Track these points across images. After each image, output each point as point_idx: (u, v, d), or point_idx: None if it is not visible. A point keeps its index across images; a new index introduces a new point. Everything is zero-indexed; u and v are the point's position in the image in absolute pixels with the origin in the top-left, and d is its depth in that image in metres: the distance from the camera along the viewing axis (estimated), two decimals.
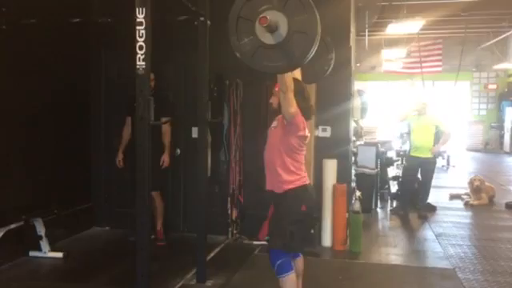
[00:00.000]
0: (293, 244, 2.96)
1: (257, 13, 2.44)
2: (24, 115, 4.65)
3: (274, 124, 3.16)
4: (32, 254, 4.60)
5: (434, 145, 6.74)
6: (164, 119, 4.92)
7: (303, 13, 2.41)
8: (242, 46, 2.54)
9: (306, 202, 3.04)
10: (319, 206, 4.97)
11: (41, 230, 4.54)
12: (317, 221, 4.82)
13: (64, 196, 5.03)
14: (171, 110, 5.11)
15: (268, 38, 2.46)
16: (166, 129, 5.05)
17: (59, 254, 4.62)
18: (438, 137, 6.84)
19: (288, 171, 3.00)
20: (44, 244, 4.58)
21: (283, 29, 2.43)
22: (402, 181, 7.36)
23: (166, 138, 5.07)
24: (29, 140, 4.70)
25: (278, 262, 2.96)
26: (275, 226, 3.07)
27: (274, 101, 3.10)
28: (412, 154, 6.86)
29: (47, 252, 4.59)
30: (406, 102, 7.32)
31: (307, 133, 3.07)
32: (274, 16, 2.41)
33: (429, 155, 6.71)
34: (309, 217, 3.06)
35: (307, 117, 3.08)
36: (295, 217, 2.97)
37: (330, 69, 3.89)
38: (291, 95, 2.83)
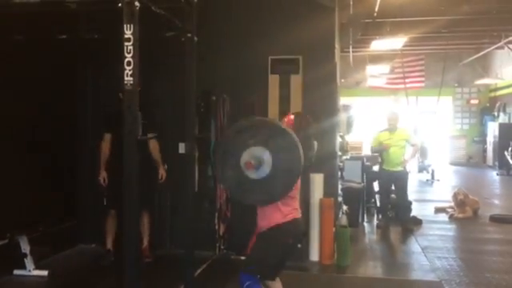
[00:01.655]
0: (268, 273, 2.95)
1: (242, 148, 2.60)
2: (9, 131, 4.61)
3: None
4: (16, 272, 4.51)
5: (404, 158, 6.80)
6: (150, 135, 4.95)
7: (287, 151, 2.57)
8: (227, 179, 2.70)
9: (293, 234, 3.01)
10: (306, 220, 4.98)
11: (25, 248, 4.47)
12: (304, 235, 4.82)
13: (49, 213, 4.97)
14: (157, 126, 5.12)
15: (253, 173, 2.59)
16: (154, 145, 5.06)
17: (44, 272, 4.54)
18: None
19: (278, 211, 2.93)
20: (29, 262, 4.50)
21: (267, 165, 2.57)
22: (379, 194, 7.41)
23: (157, 154, 5.08)
24: (13, 157, 4.66)
25: (247, 284, 2.90)
26: (257, 252, 2.99)
27: None
28: (383, 167, 6.92)
29: (32, 270, 4.51)
30: (375, 132, 7.25)
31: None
32: (258, 152, 2.57)
33: (399, 169, 6.77)
34: (294, 248, 3.05)
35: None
36: (281, 249, 2.95)
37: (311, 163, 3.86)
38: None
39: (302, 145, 2.70)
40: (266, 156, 2.55)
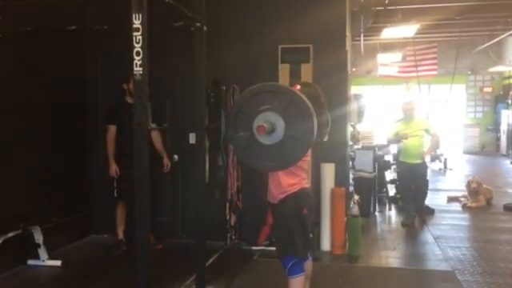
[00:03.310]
0: (298, 248, 2.96)
1: (257, 111, 2.55)
2: (21, 123, 4.64)
3: None
4: (30, 262, 4.59)
5: (423, 150, 6.58)
6: (153, 125, 4.92)
7: (301, 120, 2.52)
8: (238, 139, 2.65)
9: (306, 205, 3.03)
10: (318, 210, 4.98)
11: (39, 238, 4.53)
12: (316, 225, 4.82)
13: (62, 204, 5.02)
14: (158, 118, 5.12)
15: (264, 138, 2.55)
16: (156, 135, 5.06)
17: (57, 262, 4.60)
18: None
19: (285, 181, 2.98)
20: (42, 252, 4.56)
21: (280, 132, 2.53)
22: (399, 188, 7.27)
23: (159, 144, 5.10)
24: (26, 148, 4.69)
25: (290, 264, 2.98)
26: (279, 232, 3.07)
27: None
28: (401, 159, 6.69)
29: (45, 260, 4.58)
30: (390, 127, 6.95)
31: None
32: (272, 118, 2.52)
33: (418, 161, 6.50)
34: (309, 220, 3.05)
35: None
36: (297, 220, 2.96)
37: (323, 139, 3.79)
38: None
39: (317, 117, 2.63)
40: (280, 123, 2.52)
